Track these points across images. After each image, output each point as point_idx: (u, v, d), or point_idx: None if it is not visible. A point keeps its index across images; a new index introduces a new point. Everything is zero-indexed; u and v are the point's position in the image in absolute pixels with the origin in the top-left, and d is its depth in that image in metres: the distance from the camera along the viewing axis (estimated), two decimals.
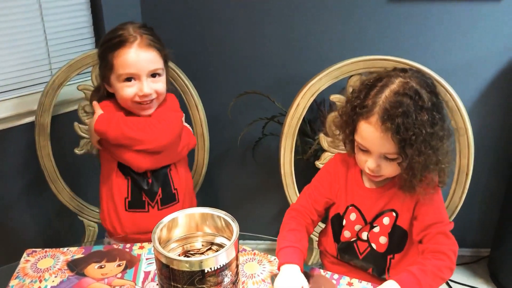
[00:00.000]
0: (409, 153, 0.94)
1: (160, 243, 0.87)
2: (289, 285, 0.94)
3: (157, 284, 0.89)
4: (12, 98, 1.52)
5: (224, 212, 0.92)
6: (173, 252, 0.93)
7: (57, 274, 1.04)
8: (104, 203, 1.32)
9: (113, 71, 1.21)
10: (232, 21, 1.70)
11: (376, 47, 1.66)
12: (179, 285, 0.82)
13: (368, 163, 1.00)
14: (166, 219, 0.91)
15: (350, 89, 1.08)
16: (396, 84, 0.96)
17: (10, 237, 1.61)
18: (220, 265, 0.82)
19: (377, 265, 1.09)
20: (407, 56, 1.27)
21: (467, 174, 1.25)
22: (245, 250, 1.10)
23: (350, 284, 1.00)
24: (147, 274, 1.03)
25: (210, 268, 0.81)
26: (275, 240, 1.07)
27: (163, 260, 0.82)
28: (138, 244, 1.13)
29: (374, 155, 0.99)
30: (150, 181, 1.27)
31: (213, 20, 1.71)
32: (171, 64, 1.42)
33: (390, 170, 1.00)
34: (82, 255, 1.10)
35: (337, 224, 1.12)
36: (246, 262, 1.06)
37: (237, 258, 0.87)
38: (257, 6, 1.67)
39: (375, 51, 1.31)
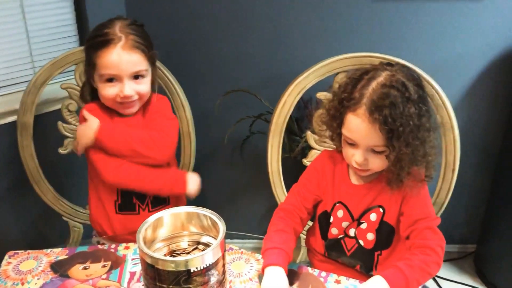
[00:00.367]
0: (396, 145, 0.94)
1: (145, 243, 0.85)
2: (276, 287, 0.93)
3: (142, 285, 0.88)
4: None
5: (210, 211, 0.91)
6: (159, 252, 0.91)
7: (40, 276, 1.02)
8: (93, 205, 1.30)
9: (95, 70, 1.19)
10: (218, 18, 1.69)
11: (362, 44, 1.67)
12: (164, 285, 0.81)
13: (356, 156, 0.99)
14: (151, 219, 0.90)
15: (337, 86, 1.08)
16: (383, 77, 0.97)
17: None
18: (206, 265, 0.81)
19: (364, 261, 1.09)
20: (393, 53, 1.28)
21: (453, 170, 1.26)
22: (232, 249, 1.09)
23: (338, 281, 1.00)
24: (132, 274, 1.02)
25: (196, 268, 0.80)
26: (262, 239, 1.07)
27: (148, 260, 0.81)
28: (124, 244, 1.12)
29: (362, 148, 0.98)
30: None
31: (199, 18, 1.69)
32: (156, 62, 1.40)
33: (377, 163, 1.00)
34: (66, 256, 1.08)
35: (324, 221, 1.12)
36: (233, 261, 1.05)
37: (223, 257, 0.86)
38: (243, 3, 1.66)
39: (361, 49, 1.31)
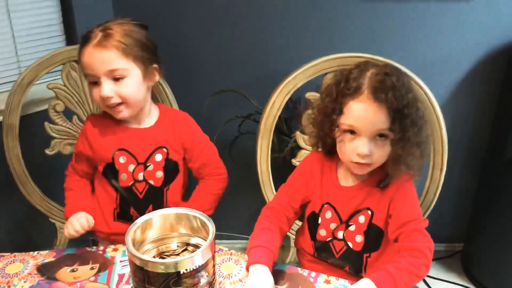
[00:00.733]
0: (401, 126, 0.96)
1: (134, 245, 0.85)
2: (261, 285, 0.92)
3: (131, 287, 0.87)
4: None
5: (199, 211, 0.91)
6: (148, 254, 0.91)
7: (27, 279, 1.00)
8: (91, 210, 1.26)
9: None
10: (206, 19, 1.69)
11: (350, 45, 1.67)
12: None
13: (360, 148, 0.97)
14: (140, 220, 0.90)
15: (328, 84, 1.08)
16: (374, 68, 0.99)
17: None
18: (196, 266, 0.80)
19: (353, 263, 1.10)
20: (381, 53, 1.28)
21: (441, 170, 1.27)
22: (221, 250, 1.09)
23: (327, 281, 1.00)
24: (121, 276, 1.01)
25: (186, 270, 0.79)
26: None
27: (137, 262, 0.80)
28: (112, 246, 1.11)
29: (366, 136, 0.97)
30: (141, 197, 1.24)
31: (187, 18, 1.69)
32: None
33: (380, 155, 0.99)
34: (53, 259, 1.07)
35: (312, 222, 1.12)
36: (223, 262, 1.05)
37: (213, 258, 0.85)
38: (232, 4, 1.65)
39: (349, 49, 1.32)
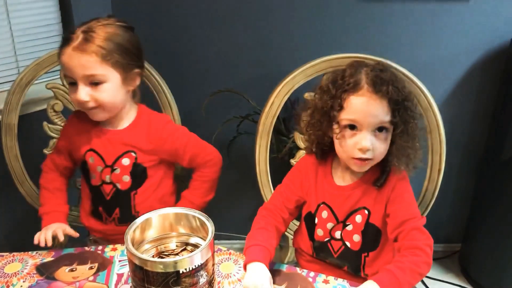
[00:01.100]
0: (403, 118, 0.98)
1: (133, 244, 0.85)
2: (258, 281, 0.93)
3: (130, 286, 0.87)
4: None
5: (199, 211, 0.91)
6: (147, 253, 0.91)
7: (26, 278, 1.00)
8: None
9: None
10: (205, 19, 1.69)
11: (349, 45, 1.68)
12: (153, 287, 0.80)
13: (363, 142, 0.97)
14: (139, 220, 0.90)
15: (325, 83, 1.09)
16: (368, 66, 1.00)
17: None
18: (195, 266, 0.80)
19: (352, 263, 1.10)
20: (379, 54, 1.28)
21: (439, 171, 1.27)
22: (220, 250, 1.09)
23: (326, 281, 1.00)
24: (120, 276, 1.01)
25: (185, 269, 0.80)
26: None
27: (137, 262, 0.80)
28: (111, 246, 1.11)
29: (366, 129, 0.97)
30: (108, 198, 1.23)
31: (186, 18, 1.69)
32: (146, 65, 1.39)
33: (381, 149, 1.00)
34: (52, 259, 1.07)
35: (309, 222, 1.12)
36: (222, 262, 1.05)
37: (212, 258, 0.86)
38: (231, 4, 1.66)
39: (348, 50, 1.32)
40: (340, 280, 1.00)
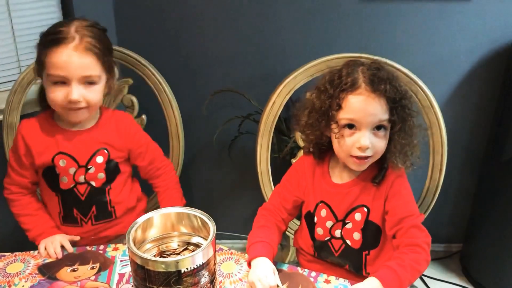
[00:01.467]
0: (400, 116, 0.98)
1: (134, 244, 0.85)
2: (261, 274, 0.94)
3: (132, 286, 0.87)
4: None
5: (200, 211, 0.91)
6: (148, 253, 0.91)
7: (28, 278, 1.00)
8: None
9: (44, 69, 1.11)
10: (207, 18, 1.69)
11: (350, 45, 1.67)
12: (154, 286, 0.80)
13: (362, 140, 0.98)
14: (140, 219, 0.90)
15: (322, 83, 1.09)
16: (364, 65, 1.01)
17: None
18: (196, 265, 0.81)
19: (353, 261, 1.10)
20: (380, 53, 1.28)
21: (440, 171, 1.27)
22: (222, 249, 1.09)
23: (327, 281, 1.00)
24: (121, 276, 1.01)
25: (187, 269, 0.80)
26: None
27: (138, 261, 0.80)
28: (112, 246, 1.11)
29: (365, 128, 0.98)
30: (83, 198, 1.22)
31: (188, 17, 1.69)
32: (144, 62, 1.39)
33: (380, 147, 1.00)
34: (54, 259, 1.08)
35: (309, 222, 1.12)
36: (223, 262, 1.05)
37: (214, 257, 0.86)
38: (232, 3, 1.66)
39: (349, 50, 1.32)
40: (341, 280, 1.00)
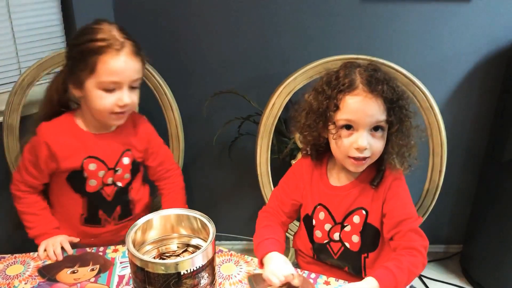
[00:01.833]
0: (398, 116, 0.99)
1: (134, 246, 0.85)
2: (275, 268, 0.95)
3: None
4: None
5: (200, 213, 0.91)
6: (148, 255, 0.91)
7: (28, 280, 1.01)
8: (58, 216, 1.25)
9: (94, 76, 1.10)
10: (207, 19, 1.69)
11: (350, 46, 1.67)
12: None
13: (359, 141, 0.98)
14: (140, 221, 0.90)
15: (320, 83, 1.09)
16: (360, 66, 1.01)
17: None
18: (196, 267, 0.81)
19: (352, 263, 1.10)
20: (380, 55, 1.29)
21: (440, 172, 1.27)
22: (221, 251, 1.09)
23: (327, 283, 1.00)
24: (121, 278, 1.01)
25: (186, 270, 0.80)
26: (251, 241, 1.07)
27: (138, 263, 0.80)
28: (112, 247, 1.11)
29: (364, 129, 0.98)
30: (109, 199, 1.24)
31: (188, 18, 1.69)
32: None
33: (378, 148, 1.00)
34: (54, 260, 1.07)
35: (308, 224, 1.12)
36: (223, 263, 1.05)
37: (214, 259, 0.86)
38: (232, 5, 1.66)
39: (349, 51, 1.32)
40: (341, 282, 1.00)
